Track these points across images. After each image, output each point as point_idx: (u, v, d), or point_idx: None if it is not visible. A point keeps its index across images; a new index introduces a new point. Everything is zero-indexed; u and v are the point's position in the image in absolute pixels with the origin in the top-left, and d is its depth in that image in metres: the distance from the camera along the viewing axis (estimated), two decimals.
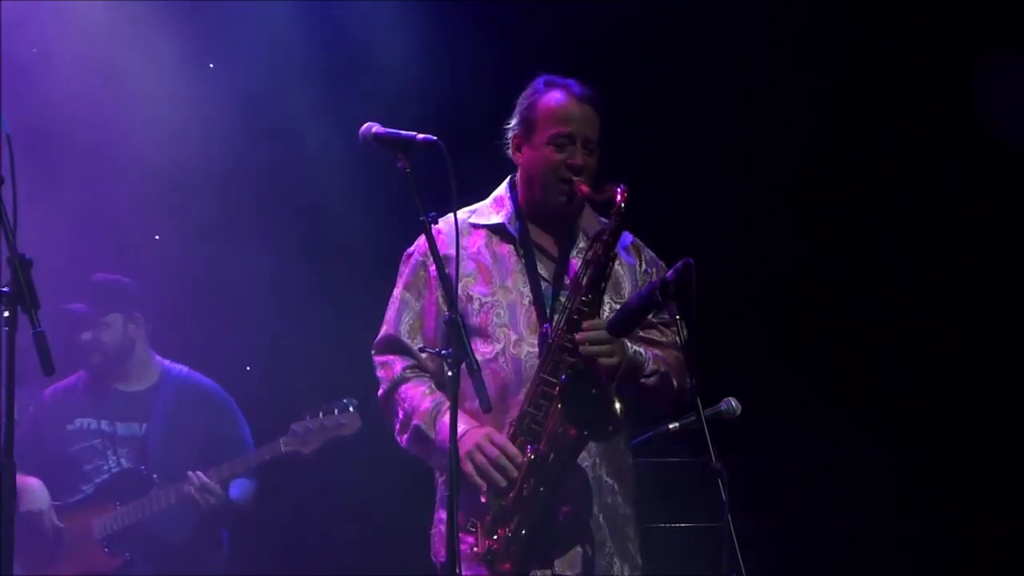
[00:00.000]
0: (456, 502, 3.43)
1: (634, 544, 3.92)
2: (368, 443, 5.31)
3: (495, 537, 3.68)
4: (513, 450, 3.69)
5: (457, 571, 3.43)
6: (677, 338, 3.67)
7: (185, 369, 5.68)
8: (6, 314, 3.25)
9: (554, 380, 3.71)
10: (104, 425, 5.55)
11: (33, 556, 5.49)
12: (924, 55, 6.02)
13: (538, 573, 3.74)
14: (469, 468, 3.67)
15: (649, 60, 6.10)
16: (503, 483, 3.68)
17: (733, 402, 4.43)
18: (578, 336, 3.72)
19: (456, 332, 3.47)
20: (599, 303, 3.80)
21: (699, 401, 3.59)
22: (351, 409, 5.31)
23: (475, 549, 3.69)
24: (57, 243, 5.74)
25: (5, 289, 3.27)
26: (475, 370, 3.46)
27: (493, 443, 3.69)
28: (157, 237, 6.51)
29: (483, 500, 3.70)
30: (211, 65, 6.39)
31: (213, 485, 5.31)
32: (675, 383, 3.91)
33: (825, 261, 6.09)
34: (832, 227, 6.08)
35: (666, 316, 3.80)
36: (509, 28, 6.12)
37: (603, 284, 3.79)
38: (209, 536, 5.55)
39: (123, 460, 5.51)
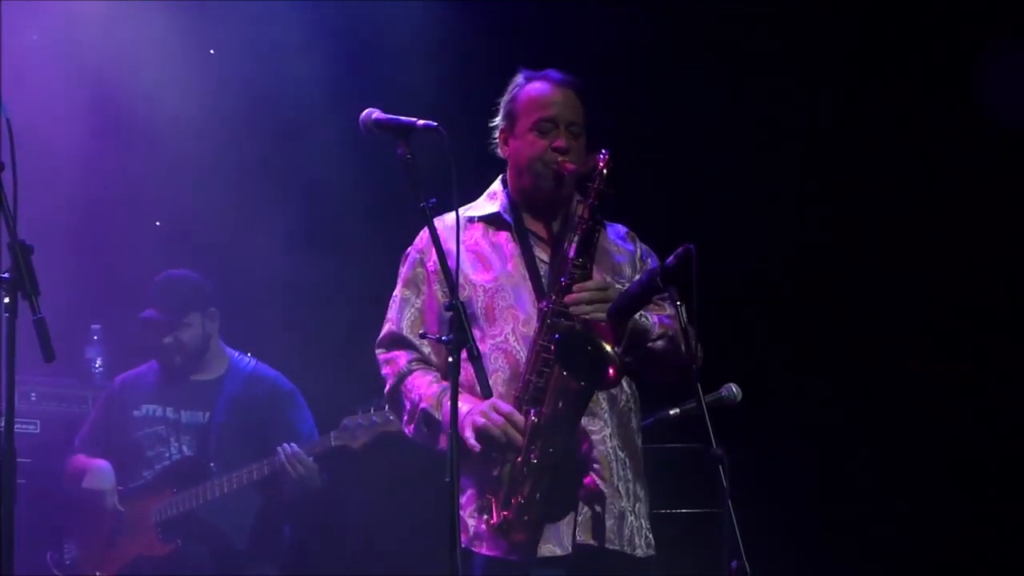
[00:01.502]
0: (457, 487, 3.42)
1: (647, 522, 3.90)
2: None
3: (510, 505, 3.66)
4: (519, 417, 3.67)
5: (457, 554, 3.40)
6: (677, 320, 3.66)
7: (253, 361, 5.70)
8: (6, 300, 3.26)
9: (550, 344, 3.69)
10: (169, 412, 5.58)
11: (90, 537, 5.55)
12: (925, 47, 6.01)
13: (549, 546, 3.72)
14: (475, 440, 3.65)
15: (650, 59, 6.11)
16: (509, 450, 3.66)
17: (734, 388, 4.44)
18: (568, 298, 3.72)
19: (457, 317, 3.46)
20: (590, 267, 3.78)
21: (700, 387, 3.59)
22: None
23: (491, 522, 3.67)
24: (59, 231, 5.75)
25: (5, 275, 3.27)
26: (476, 356, 3.46)
27: (498, 411, 3.67)
28: (158, 223, 6.51)
29: (495, 473, 3.68)
30: (211, 51, 6.39)
31: (304, 455, 5.30)
32: (683, 347, 3.81)
33: (828, 248, 6.09)
34: (834, 215, 6.08)
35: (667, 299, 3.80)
36: (511, 21, 6.12)
37: (592, 250, 3.78)
38: (268, 529, 5.54)
39: (185, 447, 5.53)
